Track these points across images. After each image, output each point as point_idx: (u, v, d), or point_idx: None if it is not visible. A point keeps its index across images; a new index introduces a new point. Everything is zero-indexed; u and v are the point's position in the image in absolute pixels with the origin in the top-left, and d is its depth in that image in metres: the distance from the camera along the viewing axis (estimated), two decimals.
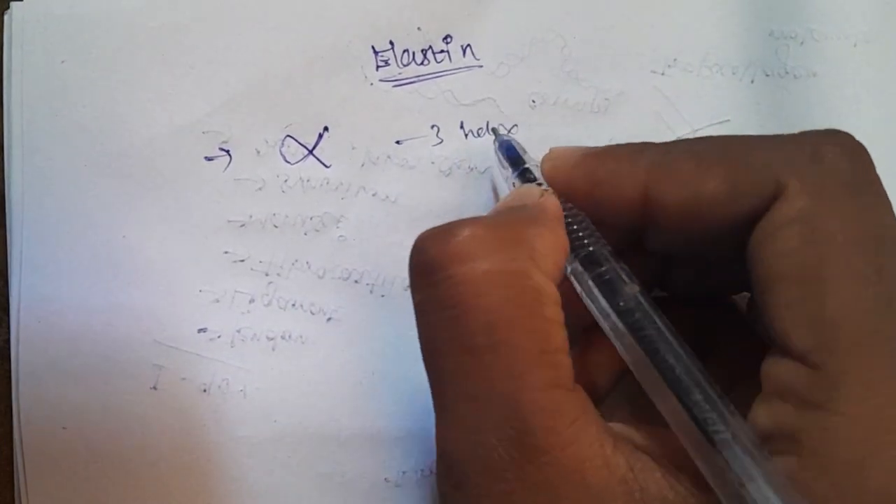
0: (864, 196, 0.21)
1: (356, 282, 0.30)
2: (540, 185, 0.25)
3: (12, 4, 0.30)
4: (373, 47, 0.31)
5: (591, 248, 0.23)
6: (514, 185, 0.27)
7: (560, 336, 0.21)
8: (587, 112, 0.31)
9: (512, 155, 0.28)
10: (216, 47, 0.30)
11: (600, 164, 0.24)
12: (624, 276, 0.22)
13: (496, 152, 0.29)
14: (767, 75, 0.32)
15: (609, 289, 0.22)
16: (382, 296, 0.31)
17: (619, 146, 0.24)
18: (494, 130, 0.31)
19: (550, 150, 0.25)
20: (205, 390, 0.30)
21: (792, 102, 0.32)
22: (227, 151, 0.30)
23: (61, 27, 0.30)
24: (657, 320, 0.21)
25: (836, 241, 0.20)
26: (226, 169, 0.30)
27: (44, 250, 0.29)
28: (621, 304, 0.22)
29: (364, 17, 0.31)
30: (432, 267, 0.20)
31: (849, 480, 0.19)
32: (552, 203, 0.23)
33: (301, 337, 0.30)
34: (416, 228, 0.30)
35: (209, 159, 0.30)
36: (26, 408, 0.28)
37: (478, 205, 0.31)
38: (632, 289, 0.22)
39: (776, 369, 0.20)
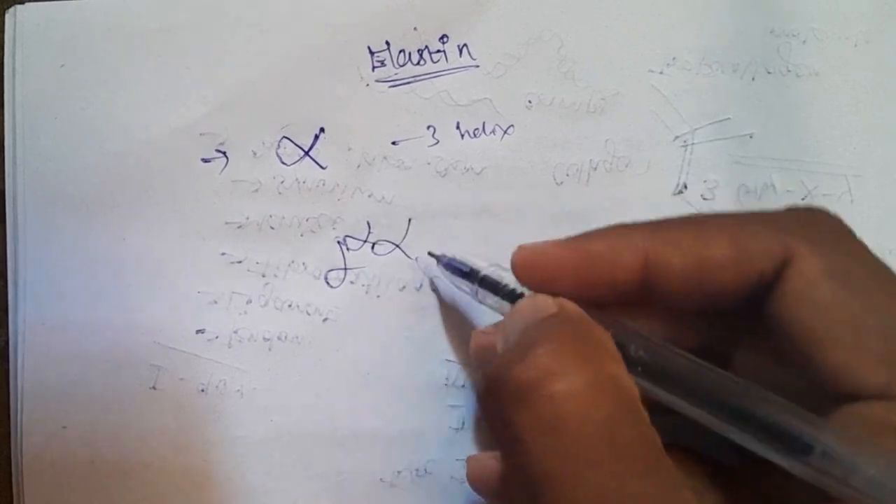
0: (860, 247, 0.23)
1: (352, 283, 0.31)
2: (509, 287, 0.25)
3: (16, 7, 0.30)
4: (369, 48, 0.31)
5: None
6: (478, 295, 0.26)
7: (658, 437, 0.20)
8: (583, 112, 0.31)
9: (462, 269, 0.27)
10: (212, 49, 0.30)
11: (593, 242, 0.24)
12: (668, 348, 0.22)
13: (443, 273, 0.28)
14: (769, 73, 0.31)
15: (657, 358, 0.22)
16: (378, 297, 0.31)
17: (606, 227, 0.24)
18: (432, 254, 0.29)
19: (519, 246, 0.25)
20: (203, 390, 0.30)
21: (793, 101, 0.31)
22: (224, 153, 0.30)
23: (60, 31, 0.30)
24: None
25: (866, 287, 0.21)
26: (222, 171, 0.30)
27: (44, 252, 0.30)
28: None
29: (360, 18, 0.31)
30: (526, 389, 0.20)
31: None
32: (574, 307, 0.23)
33: (297, 337, 0.30)
34: (412, 230, 0.31)
35: (206, 161, 0.30)
36: (27, 408, 0.29)
37: (474, 206, 0.31)
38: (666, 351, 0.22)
39: (863, 414, 0.21)
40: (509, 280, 0.25)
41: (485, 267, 0.26)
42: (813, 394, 0.21)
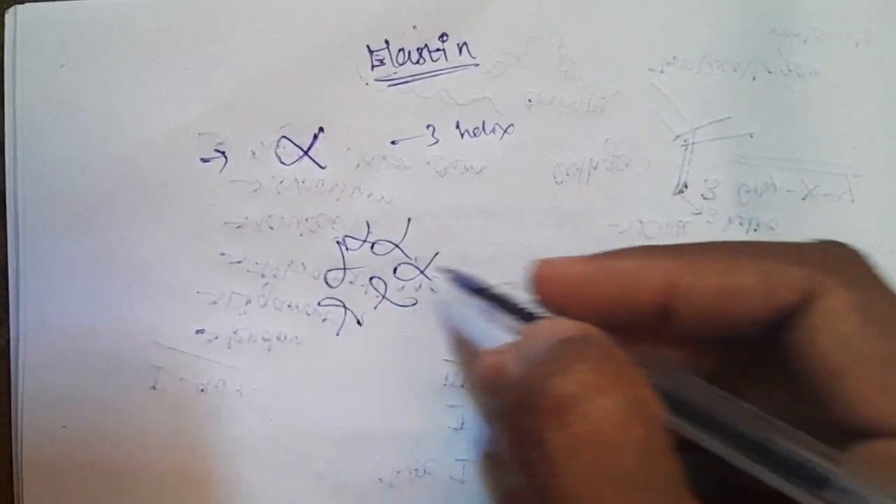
0: (886, 285, 0.22)
1: (351, 283, 0.31)
2: (521, 307, 0.24)
3: (15, 7, 0.30)
4: (368, 46, 0.31)
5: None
6: (486, 312, 0.26)
7: (682, 468, 0.19)
8: (583, 111, 0.31)
9: (472, 286, 0.27)
10: (211, 49, 0.30)
11: (617, 261, 0.23)
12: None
13: (454, 287, 0.28)
14: (770, 72, 0.31)
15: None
16: (377, 297, 0.31)
17: (630, 248, 0.24)
18: (441, 269, 0.30)
19: (540, 260, 0.24)
20: (202, 390, 0.30)
21: (794, 101, 0.31)
22: (223, 153, 0.30)
23: (60, 31, 0.30)
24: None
25: (893, 324, 0.21)
26: (221, 170, 0.30)
27: (43, 252, 0.30)
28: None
29: (359, 16, 0.31)
30: (564, 404, 0.19)
31: None
32: (598, 331, 0.22)
33: (297, 338, 0.30)
34: (411, 230, 0.31)
35: (205, 161, 0.30)
36: (27, 408, 0.29)
37: (473, 206, 0.31)
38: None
39: (883, 451, 0.20)
40: (523, 300, 0.25)
41: (496, 285, 0.26)
42: (826, 428, 0.21)
